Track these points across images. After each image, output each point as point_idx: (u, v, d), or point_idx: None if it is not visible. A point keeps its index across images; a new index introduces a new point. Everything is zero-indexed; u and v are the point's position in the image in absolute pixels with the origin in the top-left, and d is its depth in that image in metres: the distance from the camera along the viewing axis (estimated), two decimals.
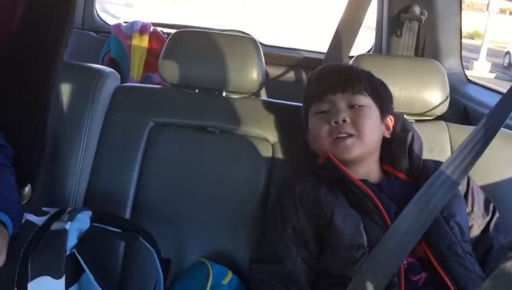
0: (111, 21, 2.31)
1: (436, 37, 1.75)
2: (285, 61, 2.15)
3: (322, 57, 1.98)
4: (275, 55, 2.12)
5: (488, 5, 10.29)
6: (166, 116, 1.24)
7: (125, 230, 0.97)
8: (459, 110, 1.59)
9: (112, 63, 2.00)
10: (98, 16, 2.34)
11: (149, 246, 0.97)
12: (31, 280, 0.81)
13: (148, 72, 2.00)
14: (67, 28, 1.13)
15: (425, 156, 1.10)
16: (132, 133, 1.21)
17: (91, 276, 0.90)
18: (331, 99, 1.05)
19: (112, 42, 2.05)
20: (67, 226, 0.88)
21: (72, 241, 0.88)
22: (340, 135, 1.01)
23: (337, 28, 1.90)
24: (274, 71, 2.11)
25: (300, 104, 1.16)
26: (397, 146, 1.07)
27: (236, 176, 1.18)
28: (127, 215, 1.16)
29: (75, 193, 1.16)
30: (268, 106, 1.26)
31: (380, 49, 1.96)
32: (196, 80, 1.26)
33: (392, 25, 1.83)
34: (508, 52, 10.35)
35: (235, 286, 1.05)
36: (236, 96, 1.28)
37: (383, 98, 1.08)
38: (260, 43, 1.33)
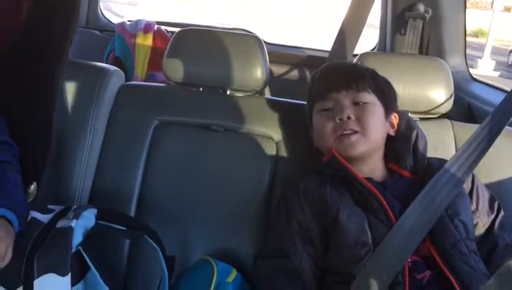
0: (115, 20, 2.32)
1: (441, 35, 1.74)
2: (289, 59, 2.15)
3: (326, 55, 1.98)
4: (279, 54, 2.12)
5: (492, 3, 10.26)
6: (170, 115, 1.24)
7: (131, 228, 0.97)
8: (464, 108, 1.58)
9: (117, 62, 2.00)
10: (102, 14, 2.34)
11: (154, 244, 0.98)
12: (37, 277, 0.82)
13: (153, 71, 2.00)
14: (73, 26, 1.14)
15: (430, 154, 1.09)
16: (137, 131, 1.21)
17: (96, 273, 0.91)
18: (335, 97, 1.05)
19: (117, 41, 2.05)
20: (73, 223, 0.88)
21: (77, 238, 0.89)
22: (345, 132, 1.01)
23: (341, 26, 1.89)
24: (278, 69, 2.11)
25: (304, 103, 1.16)
26: (402, 144, 1.07)
27: (241, 174, 1.18)
28: (132, 213, 1.16)
29: (80, 190, 1.16)
30: (272, 104, 1.26)
31: (384, 47, 1.95)
32: (200, 78, 1.26)
33: (396, 23, 1.82)
34: None
35: (240, 283, 1.05)
36: (241, 95, 1.28)
37: (387, 96, 1.08)
38: (264, 41, 1.33)
